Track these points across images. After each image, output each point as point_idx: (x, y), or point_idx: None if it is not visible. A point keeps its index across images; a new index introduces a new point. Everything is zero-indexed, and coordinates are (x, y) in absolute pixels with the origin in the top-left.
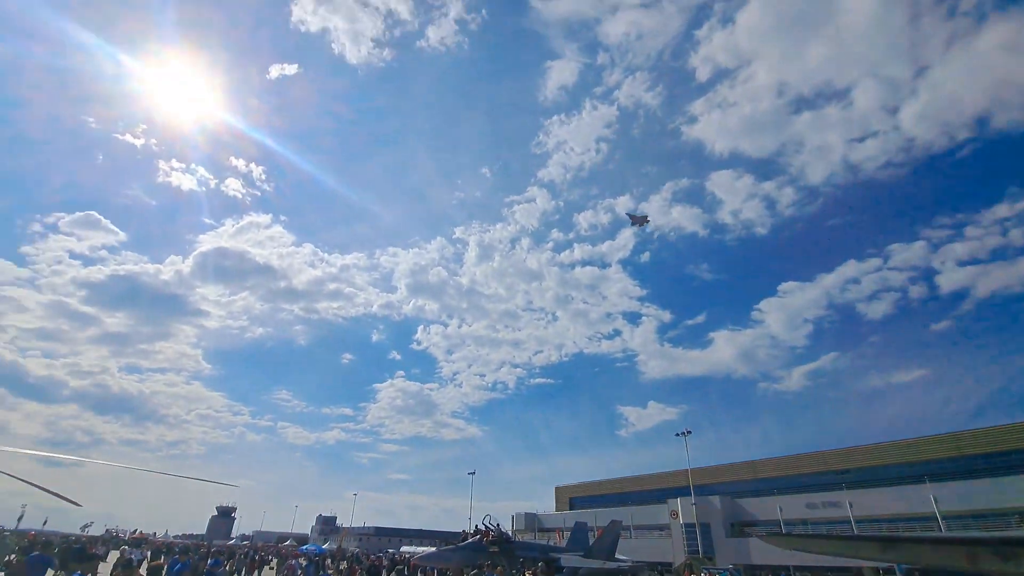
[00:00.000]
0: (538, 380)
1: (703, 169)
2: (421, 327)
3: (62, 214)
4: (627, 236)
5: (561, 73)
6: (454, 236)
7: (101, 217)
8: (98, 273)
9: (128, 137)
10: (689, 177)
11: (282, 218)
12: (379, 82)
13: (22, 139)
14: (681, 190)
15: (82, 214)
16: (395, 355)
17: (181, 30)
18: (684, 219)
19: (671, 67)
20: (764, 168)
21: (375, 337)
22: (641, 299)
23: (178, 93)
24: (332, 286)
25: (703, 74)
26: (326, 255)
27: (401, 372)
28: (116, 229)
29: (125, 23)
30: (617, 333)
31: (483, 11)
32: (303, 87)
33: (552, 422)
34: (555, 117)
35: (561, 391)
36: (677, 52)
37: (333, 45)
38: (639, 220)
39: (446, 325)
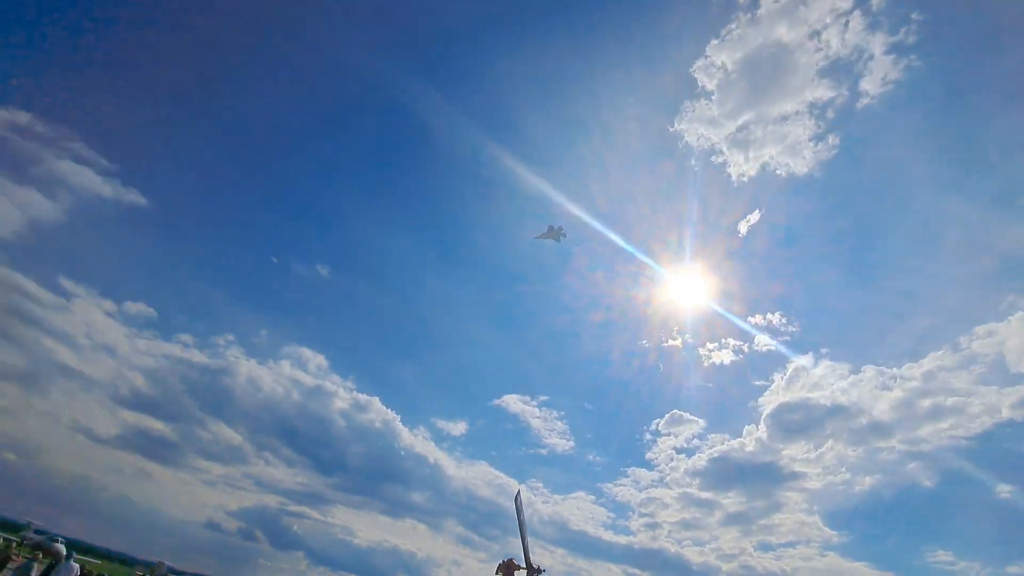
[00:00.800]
0: None
1: None
2: None
3: (658, 419)
4: None
5: None
6: None
7: (683, 413)
8: (699, 461)
9: (670, 342)
10: None
11: (823, 351)
12: (836, 169)
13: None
14: None
15: (669, 414)
16: None
17: (697, 248)
18: None
19: None
20: None
21: None
22: None
23: (692, 290)
24: (924, 403)
25: None
26: (895, 369)
27: None
28: (696, 418)
29: (662, 250)
30: None
31: (914, 14)
32: (768, 226)
33: None
34: None
35: None
36: None
37: (778, 172)
38: (551, 234)
39: None
